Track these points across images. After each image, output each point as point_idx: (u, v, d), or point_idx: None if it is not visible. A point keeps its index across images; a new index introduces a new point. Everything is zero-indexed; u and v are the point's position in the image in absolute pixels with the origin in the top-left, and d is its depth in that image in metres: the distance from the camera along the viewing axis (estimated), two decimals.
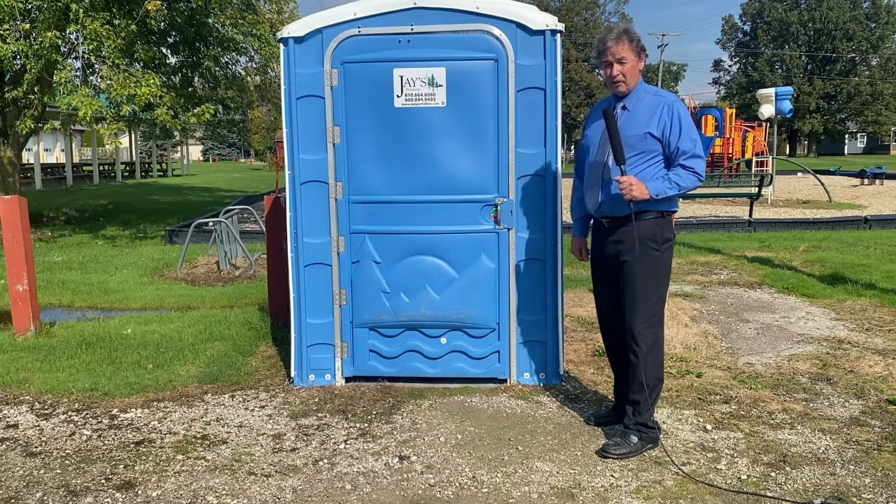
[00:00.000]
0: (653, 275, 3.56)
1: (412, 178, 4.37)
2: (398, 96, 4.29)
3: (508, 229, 4.39)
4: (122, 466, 3.54)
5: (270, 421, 4.09)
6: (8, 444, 3.86)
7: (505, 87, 4.29)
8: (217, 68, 13.81)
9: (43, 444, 3.85)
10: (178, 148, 51.08)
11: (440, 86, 4.26)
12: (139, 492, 3.28)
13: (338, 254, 4.49)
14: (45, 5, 10.45)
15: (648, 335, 3.57)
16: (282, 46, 4.41)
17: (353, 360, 4.59)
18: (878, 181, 22.22)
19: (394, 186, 4.39)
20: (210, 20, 13.05)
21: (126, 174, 36.71)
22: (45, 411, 4.32)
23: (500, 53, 4.26)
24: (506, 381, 4.55)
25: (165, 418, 4.17)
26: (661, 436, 3.69)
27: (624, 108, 3.57)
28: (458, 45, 4.27)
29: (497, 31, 4.24)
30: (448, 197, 4.37)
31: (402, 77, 4.27)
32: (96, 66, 11.58)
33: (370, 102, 4.32)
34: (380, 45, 4.29)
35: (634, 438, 3.57)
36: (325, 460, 3.57)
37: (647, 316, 3.57)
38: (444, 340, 4.52)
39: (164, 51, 13.10)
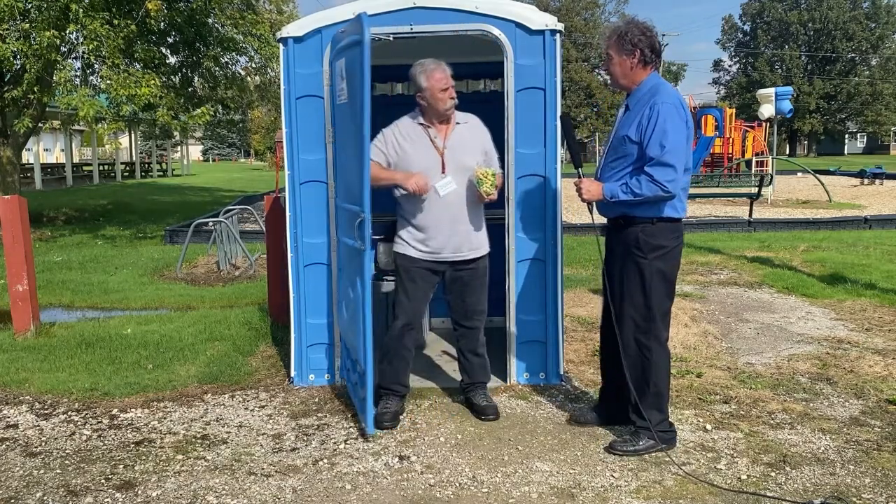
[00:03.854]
0: (638, 282, 3.49)
1: (343, 180, 4.15)
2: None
3: (363, 250, 3.70)
4: (122, 466, 3.54)
5: (270, 421, 4.09)
6: (8, 444, 3.86)
7: (504, 86, 4.29)
8: (217, 68, 13.79)
9: (43, 444, 3.85)
10: (178, 148, 51.09)
11: None
12: (139, 492, 3.28)
13: (336, 254, 4.49)
14: (45, 5, 10.44)
15: (643, 341, 3.53)
16: (281, 46, 4.40)
17: (342, 365, 4.57)
18: (877, 181, 22.22)
19: (339, 190, 4.28)
20: (210, 20, 13.04)
21: (126, 174, 36.71)
22: (45, 411, 4.32)
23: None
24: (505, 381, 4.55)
25: (165, 418, 4.16)
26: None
27: (626, 107, 3.56)
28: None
29: (496, 31, 4.24)
30: (348, 206, 4.01)
31: (342, 71, 3.99)
32: (96, 66, 11.58)
33: (334, 100, 4.22)
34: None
35: (643, 438, 3.56)
36: (325, 460, 3.57)
37: (640, 322, 3.52)
38: (357, 368, 4.03)
39: (163, 51, 13.09)
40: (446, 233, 3.89)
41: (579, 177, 3.59)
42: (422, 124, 3.92)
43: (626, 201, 3.43)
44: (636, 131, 3.41)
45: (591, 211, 3.67)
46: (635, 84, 3.51)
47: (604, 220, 3.73)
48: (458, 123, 3.97)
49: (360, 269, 3.74)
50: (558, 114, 4.29)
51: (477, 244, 4.00)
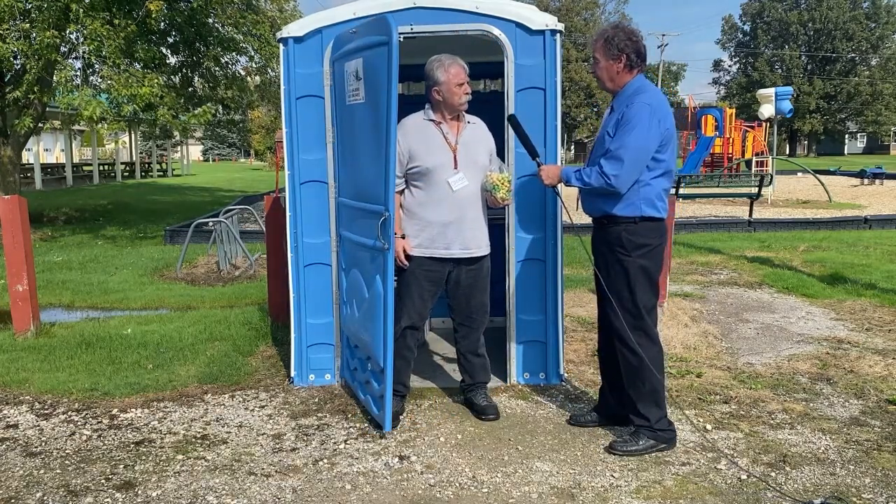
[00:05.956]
0: (624, 280, 3.55)
1: (354, 179, 4.14)
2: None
3: (387, 249, 3.67)
4: (122, 466, 3.55)
5: (270, 421, 4.09)
6: (8, 444, 3.86)
7: (504, 86, 4.29)
8: (217, 68, 13.80)
9: (43, 444, 3.85)
10: (178, 148, 51.08)
11: None
12: (139, 492, 3.28)
13: (337, 253, 4.49)
14: (45, 5, 10.44)
15: (633, 337, 3.56)
16: (281, 46, 4.40)
17: (343, 365, 4.57)
18: (877, 181, 22.21)
19: (344, 188, 4.30)
20: (210, 20, 13.04)
21: (126, 174, 36.71)
22: (45, 411, 4.32)
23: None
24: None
25: (165, 418, 4.17)
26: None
27: (612, 108, 3.63)
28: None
29: (496, 31, 4.24)
30: (361, 205, 3.97)
31: (357, 71, 3.97)
32: (97, 66, 11.58)
33: (341, 100, 4.25)
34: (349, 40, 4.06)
35: (643, 438, 3.56)
36: (325, 460, 3.57)
37: (628, 319, 3.56)
38: (370, 366, 4.05)
39: (164, 51, 13.09)
40: (457, 228, 3.91)
41: (538, 165, 3.79)
42: (432, 120, 3.93)
43: (599, 193, 3.52)
44: (614, 128, 3.50)
45: (557, 195, 3.84)
46: (620, 87, 3.59)
47: (587, 220, 3.79)
48: (468, 122, 4.01)
49: (381, 267, 3.72)
50: (558, 114, 4.30)
51: (484, 242, 4.04)
